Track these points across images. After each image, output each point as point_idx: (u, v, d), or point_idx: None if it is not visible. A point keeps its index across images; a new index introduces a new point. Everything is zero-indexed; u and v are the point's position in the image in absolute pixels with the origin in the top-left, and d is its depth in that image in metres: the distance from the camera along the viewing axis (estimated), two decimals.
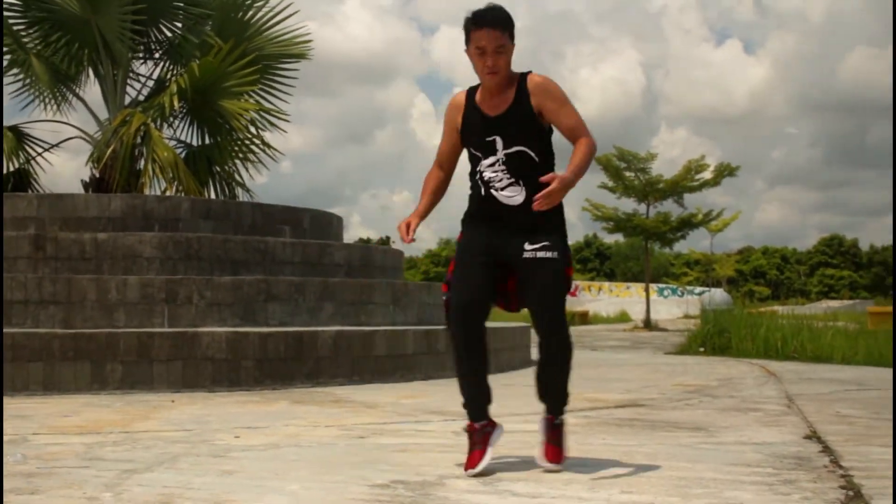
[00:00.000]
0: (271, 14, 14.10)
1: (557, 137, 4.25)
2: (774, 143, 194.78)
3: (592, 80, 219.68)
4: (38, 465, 4.32)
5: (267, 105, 14.13)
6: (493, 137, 4.14)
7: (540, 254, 4.06)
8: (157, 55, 14.33)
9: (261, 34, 14.02)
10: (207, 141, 13.76)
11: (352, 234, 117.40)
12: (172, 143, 13.37)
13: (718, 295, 50.68)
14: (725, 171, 29.40)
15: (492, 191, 4.14)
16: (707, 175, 29.40)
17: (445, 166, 4.43)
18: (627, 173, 29.46)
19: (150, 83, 14.18)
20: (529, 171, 4.11)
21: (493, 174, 4.13)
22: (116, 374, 7.63)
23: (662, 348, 16.73)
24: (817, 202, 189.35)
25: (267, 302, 8.93)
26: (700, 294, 52.78)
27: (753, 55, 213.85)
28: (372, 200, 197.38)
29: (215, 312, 8.69)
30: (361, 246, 13.02)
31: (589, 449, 4.81)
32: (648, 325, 29.89)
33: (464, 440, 4.28)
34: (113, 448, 4.81)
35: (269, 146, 13.85)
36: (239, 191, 13.90)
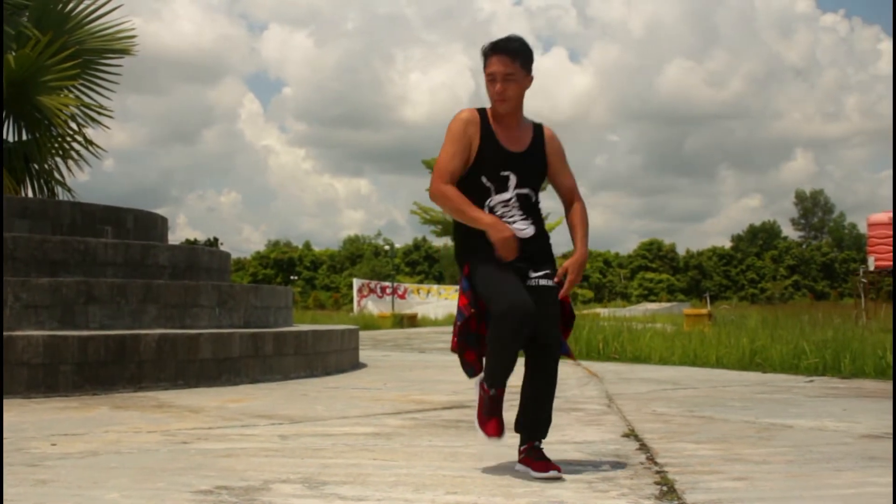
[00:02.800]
0: (93, 7, 13.74)
1: None
2: (597, 150, 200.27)
3: (422, 83, 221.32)
4: None
5: (88, 101, 13.74)
6: (508, 173, 4.15)
7: (542, 281, 4.15)
8: None
9: (82, 27, 13.61)
10: (25, 137, 13.25)
11: (178, 236, 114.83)
12: None
13: None
14: None
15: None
16: None
17: (455, 181, 4.19)
18: None
19: None
20: (533, 211, 4.24)
21: (506, 209, 4.15)
22: None
23: None
24: (638, 208, 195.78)
25: (87, 304, 8.65)
26: None
27: (578, 63, 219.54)
28: (199, 201, 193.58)
29: (32, 315, 8.36)
30: (187, 247, 12.76)
31: (415, 450, 4.86)
32: None
33: (291, 444, 4.25)
34: None
35: (91, 143, 13.47)
36: (59, 189, 13.45)
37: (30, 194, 13.10)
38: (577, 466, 4.36)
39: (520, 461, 4.24)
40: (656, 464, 4.45)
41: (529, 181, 4.21)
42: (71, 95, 13.35)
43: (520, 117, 4.27)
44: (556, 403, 7.14)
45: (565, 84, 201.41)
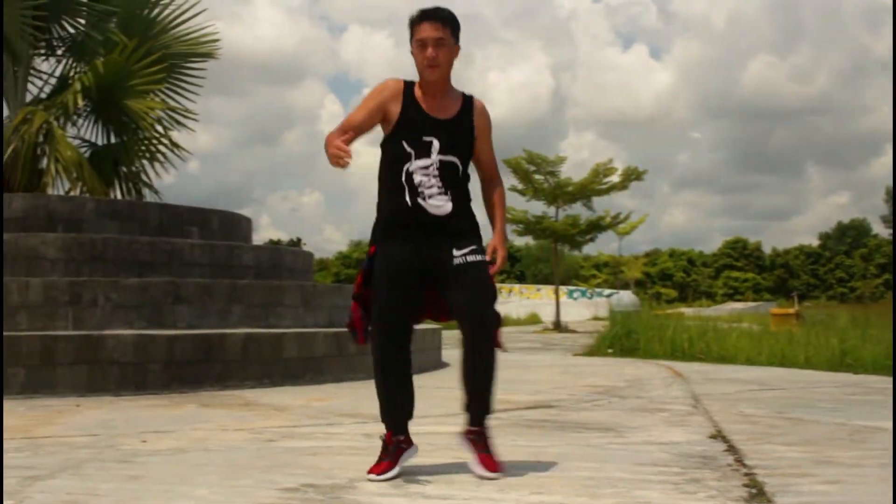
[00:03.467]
0: (178, 12, 13.93)
1: None
2: (679, 148, 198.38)
3: (501, 83, 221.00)
4: None
5: (174, 104, 13.94)
6: (431, 139, 4.10)
7: (470, 258, 4.07)
8: (59, 52, 14.03)
9: (167, 32, 13.83)
10: (113, 140, 13.51)
11: (261, 236, 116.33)
12: (77, 142, 13.13)
13: (626, 297, 51.46)
14: (633, 175, 29.78)
15: (419, 199, 4.06)
16: (615, 179, 29.76)
17: (350, 136, 4.18)
18: (537, 176, 29.66)
19: (53, 80, 13.89)
20: (456, 185, 4.14)
21: (425, 178, 4.07)
22: (18, 379, 7.43)
23: (572, 350, 16.89)
24: (721, 206, 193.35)
25: (175, 304, 8.79)
26: (609, 296, 53.51)
27: (659, 60, 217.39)
28: (281, 202, 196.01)
29: (121, 315, 8.53)
30: (271, 247, 12.90)
31: (499, 450, 4.82)
32: (558, 326, 30.14)
33: (375, 443, 4.27)
34: (15, 454, 4.68)
35: (176, 146, 13.68)
36: (146, 191, 13.69)
37: (118, 196, 13.36)
38: (663, 468, 4.30)
39: (465, 438, 4.26)
40: (745, 466, 4.36)
41: (454, 148, 4.13)
42: (157, 99, 13.58)
43: (448, 87, 4.24)
44: (641, 403, 7.10)
45: (646, 81, 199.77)
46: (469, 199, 4.23)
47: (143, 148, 13.54)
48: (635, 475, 4.08)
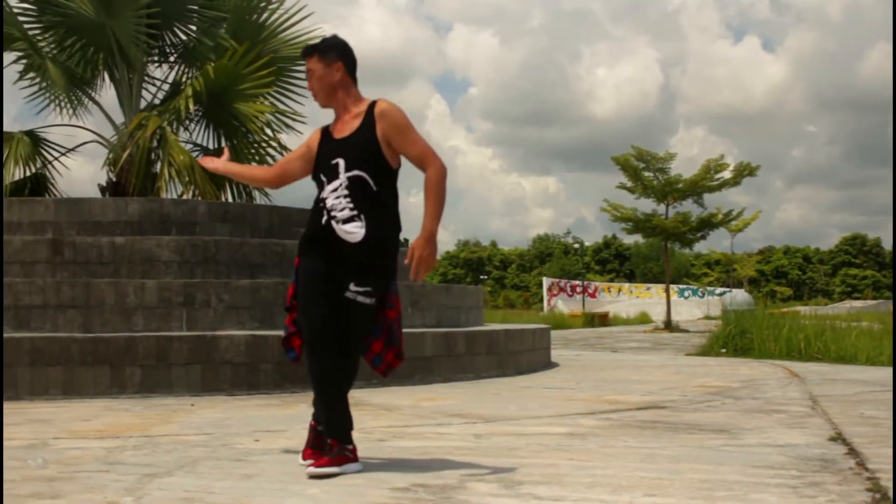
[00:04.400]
0: (286, 16, 14.08)
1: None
2: (793, 142, 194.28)
3: (609, 79, 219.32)
4: (59, 469, 4.29)
5: (282, 107, 14.12)
6: (336, 161, 4.19)
7: (360, 298, 4.13)
8: (171, 58, 14.35)
9: (275, 36, 14.01)
10: (223, 143, 13.75)
11: None
12: (188, 146, 13.39)
13: (740, 295, 50.52)
14: (745, 171, 29.23)
15: (333, 222, 4.14)
16: (727, 175, 29.27)
17: (277, 170, 4.56)
18: (646, 173, 29.36)
19: (166, 87, 14.21)
20: (369, 202, 4.15)
21: (336, 201, 4.15)
22: (135, 378, 7.61)
23: (683, 350, 16.64)
24: (837, 201, 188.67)
25: (285, 310, 8.88)
26: (721, 295, 52.65)
27: (772, 52, 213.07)
28: None
29: (233, 316, 8.67)
30: None
31: (611, 451, 4.76)
32: (669, 326, 29.77)
33: (486, 443, 4.24)
34: (133, 452, 4.79)
35: (285, 148, 13.84)
36: (256, 193, 13.90)
37: (229, 199, 13.60)
38: (781, 470, 4.17)
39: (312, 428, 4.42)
40: (867, 469, 4.21)
41: (359, 163, 4.15)
42: (266, 102, 13.78)
43: (348, 104, 4.32)
44: (756, 405, 6.95)
45: (758, 74, 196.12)
46: (391, 221, 4.24)
47: (253, 151, 13.75)
48: (751, 478, 3.97)
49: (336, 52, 4.32)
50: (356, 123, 4.23)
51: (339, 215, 4.12)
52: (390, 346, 4.35)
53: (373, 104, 4.26)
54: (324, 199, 4.19)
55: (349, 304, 4.12)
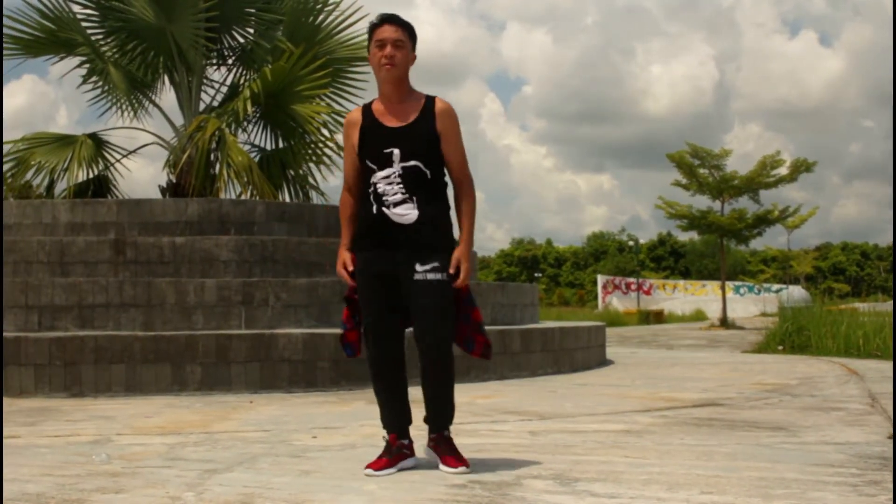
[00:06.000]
0: (341, 18, 14.16)
1: None
2: (850, 137, 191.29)
3: (664, 76, 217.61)
4: (123, 465, 4.40)
5: (338, 108, 14.21)
6: (392, 149, 4.15)
7: (430, 275, 4.13)
8: (230, 61, 14.50)
9: (331, 38, 14.10)
10: (281, 144, 13.89)
11: None
12: (246, 147, 13.52)
13: (797, 292, 49.82)
14: (802, 167, 28.85)
15: (384, 208, 4.13)
16: (783, 171, 28.90)
17: (354, 190, 4.40)
18: (701, 170, 29.08)
19: (224, 89, 14.36)
20: (422, 188, 4.15)
21: (388, 187, 4.13)
22: (196, 376, 7.74)
23: (740, 347, 16.50)
24: None
25: (342, 304, 8.95)
26: (777, 291, 52.03)
27: (829, 47, 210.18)
28: None
29: (291, 314, 8.78)
30: None
31: (667, 449, 4.76)
32: (725, 323, 29.50)
33: (541, 440, 4.27)
34: (194, 448, 4.88)
35: (341, 148, 13.90)
36: (312, 193, 14.02)
37: (287, 199, 13.72)
38: (840, 468, 4.15)
39: (428, 445, 4.39)
40: None
41: (416, 154, 4.13)
42: (322, 103, 13.88)
43: (405, 92, 4.25)
44: (814, 402, 6.89)
45: (815, 69, 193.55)
46: (443, 204, 4.25)
47: (310, 151, 13.86)
48: (810, 476, 3.96)
49: (415, 42, 4.32)
50: (413, 114, 4.21)
51: (391, 199, 4.13)
52: (479, 331, 4.46)
53: (431, 99, 4.27)
54: (374, 185, 4.17)
55: (421, 285, 4.13)
